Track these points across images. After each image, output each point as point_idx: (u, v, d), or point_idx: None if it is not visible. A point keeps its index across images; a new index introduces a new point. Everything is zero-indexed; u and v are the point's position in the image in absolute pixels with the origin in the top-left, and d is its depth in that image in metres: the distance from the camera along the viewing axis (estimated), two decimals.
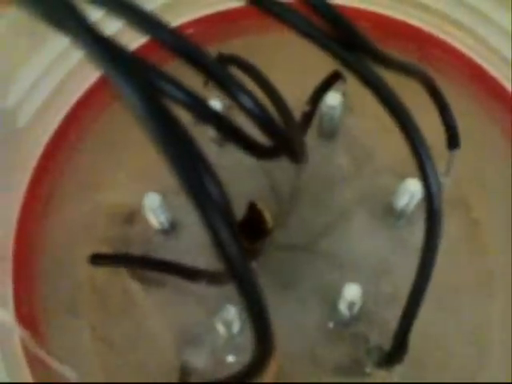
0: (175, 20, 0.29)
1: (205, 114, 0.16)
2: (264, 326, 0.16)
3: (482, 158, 0.28)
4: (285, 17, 0.17)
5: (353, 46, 0.18)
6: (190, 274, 0.24)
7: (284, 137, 0.17)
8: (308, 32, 0.18)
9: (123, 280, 0.26)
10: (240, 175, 0.28)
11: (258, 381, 0.17)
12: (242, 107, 0.17)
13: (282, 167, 0.28)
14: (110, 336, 0.26)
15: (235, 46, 0.28)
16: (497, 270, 0.27)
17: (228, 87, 0.16)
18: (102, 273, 0.27)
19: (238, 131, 0.17)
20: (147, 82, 0.14)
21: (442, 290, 0.26)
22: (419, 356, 0.24)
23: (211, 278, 0.23)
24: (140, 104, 0.13)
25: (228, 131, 0.16)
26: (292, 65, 0.29)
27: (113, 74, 0.13)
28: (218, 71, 0.16)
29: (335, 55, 0.18)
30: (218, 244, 0.14)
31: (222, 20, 0.30)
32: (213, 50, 0.27)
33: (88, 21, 0.13)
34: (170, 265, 0.25)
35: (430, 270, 0.20)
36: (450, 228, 0.27)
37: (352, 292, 0.23)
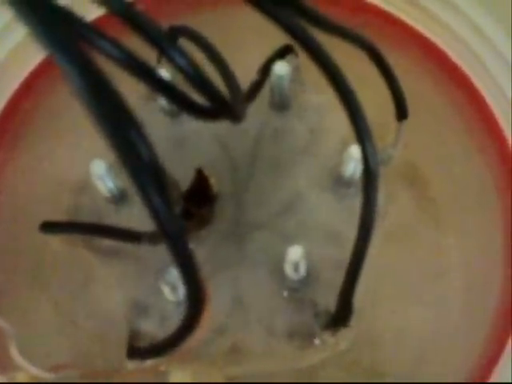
0: None
1: (138, 70, 0.16)
2: (195, 285, 0.16)
3: (438, 134, 0.29)
4: None
5: (289, 6, 0.19)
6: (132, 236, 0.25)
7: (219, 96, 0.18)
8: None
9: (80, 251, 0.27)
10: (195, 147, 0.29)
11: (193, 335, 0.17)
12: (177, 67, 0.17)
13: (238, 139, 0.29)
14: (70, 308, 0.26)
15: (190, 20, 0.29)
16: (452, 247, 0.27)
17: (164, 48, 0.17)
18: (59, 245, 0.27)
19: (172, 88, 0.17)
20: (72, 33, 0.14)
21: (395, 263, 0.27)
22: (369, 323, 0.25)
23: (151, 238, 0.24)
24: (64, 58, 0.13)
25: (162, 88, 0.17)
26: (248, 38, 0.30)
27: (35, 29, 0.13)
28: (156, 34, 0.17)
29: (269, 15, 0.18)
30: (147, 203, 0.14)
31: None
32: (165, 24, 0.28)
33: None
34: (113, 229, 0.25)
35: (369, 232, 0.21)
36: (405, 203, 0.28)
37: (295, 252, 0.23)
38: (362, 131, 0.19)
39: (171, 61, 0.17)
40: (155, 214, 0.14)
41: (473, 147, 0.28)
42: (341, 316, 0.23)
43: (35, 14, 0.13)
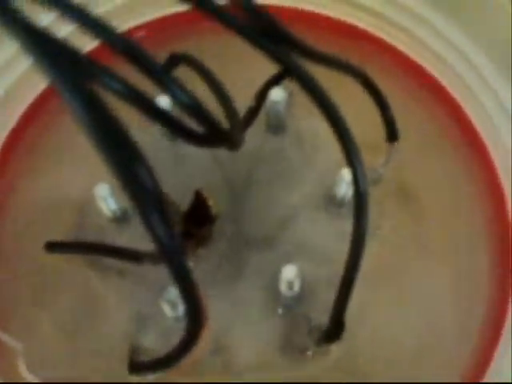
0: (128, 22, 0.31)
1: (137, 102, 0.17)
2: (194, 302, 0.17)
3: (427, 155, 0.30)
4: (219, 18, 0.19)
5: (281, 41, 0.20)
6: (134, 256, 0.26)
7: (215, 124, 0.19)
8: (241, 31, 0.19)
9: (82, 270, 0.28)
10: (193, 167, 0.30)
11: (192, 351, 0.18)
12: (175, 100, 0.18)
13: (235, 160, 0.30)
14: (68, 322, 0.27)
15: (188, 46, 0.30)
16: (440, 262, 0.28)
17: (162, 81, 0.18)
18: (62, 264, 0.28)
19: (172, 118, 0.18)
20: (78, 72, 0.15)
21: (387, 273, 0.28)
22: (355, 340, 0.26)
23: (153, 258, 0.25)
24: (68, 92, 0.14)
25: (161, 117, 0.18)
26: (245, 65, 0.31)
27: (41, 64, 0.14)
28: (153, 67, 0.18)
29: (262, 48, 0.19)
30: (149, 230, 0.15)
31: (175, 22, 0.31)
32: (166, 51, 0.29)
33: (19, 12, 0.14)
34: (116, 249, 0.26)
35: (360, 251, 0.22)
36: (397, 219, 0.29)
37: (289, 272, 0.24)
38: (352, 156, 0.20)
39: (169, 93, 0.18)
40: (157, 240, 0.16)
41: (460, 168, 0.30)
42: (333, 332, 0.24)
43: (42, 49, 0.15)
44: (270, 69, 0.28)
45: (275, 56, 0.19)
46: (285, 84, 0.29)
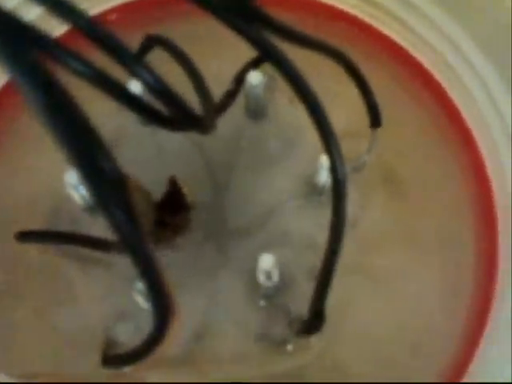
0: (100, 5, 0.30)
1: (105, 85, 0.16)
2: (160, 294, 0.16)
3: (414, 142, 0.29)
4: None
5: (257, 21, 0.19)
6: (103, 245, 0.25)
7: (186, 109, 0.18)
8: (214, 10, 0.19)
9: (56, 260, 0.27)
10: (172, 155, 0.29)
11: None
12: (144, 83, 0.17)
13: (215, 146, 0.29)
14: (44, 314, 0.26)
15: (162, 30, 0.29)
16: (426, 248, 0.27)
17: (130, 65, 0.17)
18: (36, 252, 0.27)
19: (138, 100, 0.17)
20: (31, 54, 0.14)
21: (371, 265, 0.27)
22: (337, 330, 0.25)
23: (119, 247, 0.24)
24: (22, 76, 0.13)
25: (126, 99, 0.17)
26: (220, 48, 0.30)
27: None
28: (120, 50, 0.17)
29: (239, 31, 0.18)
30: (107, 217, 0.15)
31: (147, 5, 0.30)
32: (140, 34, 0.28)
33: None
34: (86, 238, 0.26)
35: (339, 239, 0.21)
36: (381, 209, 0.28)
37: (266, 261, 0.23)
38: (329, 142, 0.20)
39: (137, 77, 0.17)
40: (116, 229, 0.15)
41: (446, 155, 0.29)
42: (313, 323, 0.23)
43: None
44: (246, 52, 0.28)
45: (251, 38, 0.18)
46: (265, 68, 0.28)
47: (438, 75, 0.29)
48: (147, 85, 0.17)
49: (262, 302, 0.26)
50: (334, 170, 0.20)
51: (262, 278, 0.24)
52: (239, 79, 0.27)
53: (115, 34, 0.16)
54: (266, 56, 0.19)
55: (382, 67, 0.29)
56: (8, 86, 0.30)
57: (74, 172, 0.24)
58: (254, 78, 0.26)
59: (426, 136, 0.29)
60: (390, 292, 0.26)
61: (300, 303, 0.25)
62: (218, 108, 0.25)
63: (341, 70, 0.25)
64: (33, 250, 0.27)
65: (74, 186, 0.25)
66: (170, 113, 0.18)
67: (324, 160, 0.24)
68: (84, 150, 0.14)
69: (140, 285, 0.23)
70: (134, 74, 0.17)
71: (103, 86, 0.16)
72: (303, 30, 0.23)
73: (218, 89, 0.26)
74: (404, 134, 0.29)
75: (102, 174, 0.14)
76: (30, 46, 0.14)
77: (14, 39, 0.14)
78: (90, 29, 0.16)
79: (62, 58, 0.16)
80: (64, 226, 0.27)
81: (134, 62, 0.17)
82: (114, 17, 0.31)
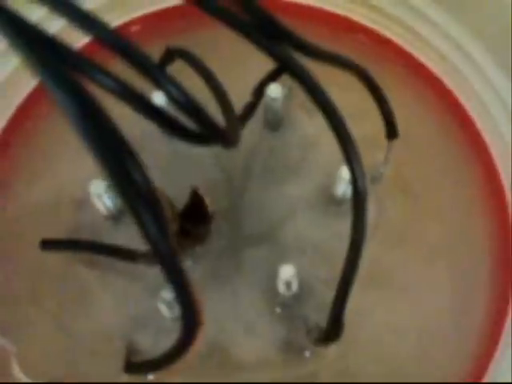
0: (123, 17, 0.30)
1: (130, 99, 0.17)
2: (188, 303, 0.17)
3: (429, 155, 0.30)
4: (216, 13, 0.19)
5: (280, 39, 0.19)
6: (129, 255, 0.25)
7: (211, 123, 0.18)
8: (238, 27, 0.19)
9: (78, 268, 0.27)
10: (192, 165, 0.29)
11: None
12: (169, 97, 0.17)
13: (233, 156, 0.30)
14: (64, 321, 0.27)
15: (185, 40, 0.29)
16: (440, 256, 0.28)
17: (155, 78, 0.17)
18: (57, 260, 0.27)
19: (162, 113, 0.17)
20: (67, 70, 0.15)
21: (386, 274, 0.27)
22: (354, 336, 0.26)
23: (146, 258, 0.24)
24: (55, 88, 0.14)
25: (152, 113, 0.17)
26: (241, 60, 0.30)
27: (32, 63, 0.14)
28: (145, 63, 0.17)
29: (259, 46, 0.19)
30: (142, 229, 0.15)
31: (170, 16, 0.31)
32: (161, 45, 0.29)
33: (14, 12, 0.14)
34: (111, 248, 0.26)
35: (359, 250, 0.21)
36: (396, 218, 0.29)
37: (287, 272, 0.24)
38: (350, 155, 0.20)
39: (163, 91, 0.17)
40: (149, 240, 0.15)
41: (460, 165, 0.29)
42: (331, 332, 0.23)
43: (27, 43, 0.14)
44: (267, 64, 0.28)
45: (272, 52, 0.19)
46: (283, 79, 0.28)
47: (454, 88, 0.30)
48: (173, 99, 0.17)
49: (279, 310, 0.26)
50: (354, 182, 0.20)
51: (281, 288, 0.25)
52: (259, 92, 0.27)
53: (139, 46, 0.17)
54: (288, 71, 0.19)
55: (398, 79, 0.30)
56: (29, 97, 0.30)
57: (98, 182, 0.25)
58: (274, 90, 0.27)
59: (441, 148, 0.30)
60: (405, 301, 0.27)
61: (318, 312, 0.26)
62: (239, 120, 0.26)
63: (354, 79, 0.26)
64: (54, 257, 0.27)
65: (99, 196, 0.25)
66: (195, 127, 0.19)
67: (344, 172, 0.25)
68: (118, 164, 0.14)
69: (165, 294, 0.23)
70: (160, 87, 0.17)
71: (131, 100, 0.17)
72: (321, 42, 0.23)
73: (238, 100, 0.26)
74: (419, 145, 0.30)
75: (134, 187, 0.15)
76: (63, 62, 0.15)
77: (47, 55, 0.14)
78: (115, 41, 0.16)
79: (91, 72, 0.16)
80: (86, 234, 0.28)
81: (159, 74, 0.17)
82: (136, 28, 0.32)
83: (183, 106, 0.17)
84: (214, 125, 0.18)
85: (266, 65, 0.28)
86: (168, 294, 0.23)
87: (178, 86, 0.17)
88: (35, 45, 0.14)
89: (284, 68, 0.19)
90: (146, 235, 0.15)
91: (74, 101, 0.14)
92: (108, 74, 0.16)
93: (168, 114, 0.18)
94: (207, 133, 0.19)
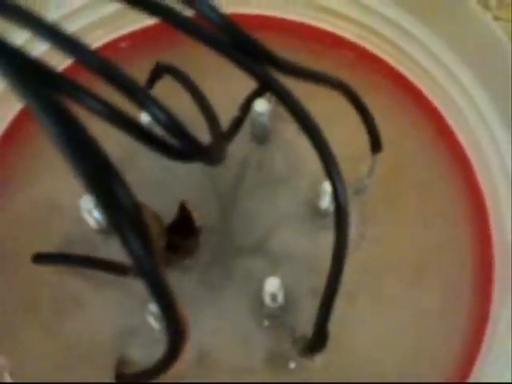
0: (112, 33, 0.31)
1: (115, 119, 0.17)
2: (173, 318, 0.17)
3: (414, 162, 0.31)
4: (191, 31, 0.19)
5: (259, 58, 0.20)
6: (120, 269, 0.26)
7: (193, 141, 0.19)
8: (213, 44, 0.20)
9: (70, 277, 0.28)
10: (181, 178, 0.30)
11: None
12: (154, 118, 0.18)
13: (222, 170, 0.30)
14: (56, 330, 0.27)
15: (172, 55, 0.30)
16: (429, 266, 0.28)
17: (139, 100, 0.17)
18: (49, 274, 0.28)
19: (149, 133, 0.18)
20: (52, 92, 0.15)
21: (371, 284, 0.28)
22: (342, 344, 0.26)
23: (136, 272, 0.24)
24: (42, 112, 0.14)
25: (138, 133, 0.18)
26: (227, 75, 0.31)
27: (17, 87, 0.15)
28: (130, 86, 0.17)
29: (240, 65, 0.19)
30: (125, 245, 0.16)
31: (158, 32, 0.31)
32: (150, 60, 0.29)
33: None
34: (103, 262, 0.27)
35: (341, 262, 0.22)
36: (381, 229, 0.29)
37: (272, 284, 0.24)
38: (331, 170, 0.20)
39: (146, 111, 0.18)
40: (133, 257, 0.16)
41: (442, 176, 0.30)
42: (316, 342, 0.24)
43: (12, 67, 0.15)
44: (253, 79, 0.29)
45: (252, 72, 0.19)
46: (270, 94, 0.29)
47: (436, 101, 0.30)
48: (157, 120, 0.18)
49: (266, 322, 0.27)
50: (336, 197, 0.21)
51: (267, 300, 0.25)
52: (246, 107, 0.28)
53: (122, 68, 0.17)
54: (267, 87, 0.20)
55: (382, 92, 0.31)
56: (23, 113, 0.31)
57: (88, 198, 0.25)
58: (261, 105, 0.27)
59: (423, 159, 0.30)
60: (390, 312, 0.27)
61: (304, 322, 0.26)
62: (225, 136, 0.26)
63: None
64: (47, 270, 0.28)
65: (89, 211, 0.26)
66: (180, 145, 0.19)
67: (327, 185, 0.25)
68: (101, 184, 0.15)
69: (152, 307, 0.24)
70: (144, 109, 0.18)
71: (117, 122, 0.17)
72: (306, 57, 0.24)
73: (225, 113, 0.27)
74: (403, 156, 0.30)
75: (117, 202, 0.15)
76: (47, 85, 0.15)
77: (31, 79, 0.15)
78: (98, 64, 0.17)
79: (77, 95, 0.17)
80: (78, 247, 0.28)
81: (143, 97, 0.17)
82: (124, 44, 0.32)
83: (167, 127, 0.18)
84: (198, 144, 0.19)
85: (251, 80, 0.30)
86: (155, 307, 0.23)
87: (161, 108, 0.18)
88: (19, 68, 0.15)
89: (265, 86, 0.20)
90: (130, 253, 0.16)
91: (58, 124, 0.14)
92: (94, 97, 0.17)
93: (154, 134, 0.18)
94: (192, 151, 0.19)
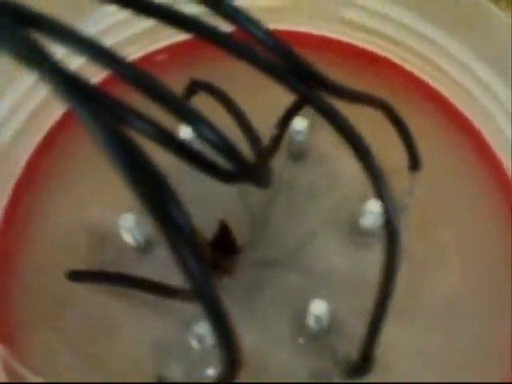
0: (148, 47, 0.31)
1: (165, 141, 0.17)
2: (230, 344, 0.17)
3: (447, 183, 0.30)
4: (241, 53, 0.19)
5: (307, 79, 0.20)
6: (166, 291, 0.25)
7: (245, 164, 0.18)
8: (263, 66, 0.19)
9: (102, 296, 0.27)
10: (214, 196, 0.29)
11: None
12: (202, 136, 0.17)
13: (256, 191, 0.30)
14: (89, 352, 0.27)
15: (208, 71, 0.30)
16: (464, 293, 0.28)
17: (184, 116, 0.17)
18: (82, 289, 0.27)
19: (200, 156, 0.18)
20: (110, 116, 0.15)
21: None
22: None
23: (185, 295, 0.24)
24: (103, 138, 0.14)
25: (189, 156, 0.17)
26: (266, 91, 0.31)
27: (78, 110, 0.14)
28: (174, 102, 0.17)
29: (290, 87, 0.19)
30: (184, 268, 0.15)
31: (195, 46, 0.31)
32: (186, 76, 0.29)
33: (54, 58, 0.14)
34: (147, 282, 0.26)
35: (391, 286, 0.21)
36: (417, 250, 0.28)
37: (318, 307, 0.24)
38: (383, 192, 0.20)
39: (192, 128, 0.17)
40: (191, 278, 0.15)
41: (483, 200, 0.29)
42: (362, 365, 0.23)
43: (73, 93, 0.14)
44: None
45: (300, 93, 0.19)
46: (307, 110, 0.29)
47: (478, 123, 0.30)
48: (203, 137, 0.17)
49: (302, 340, 0.26)
50: (388, 220, 0.20)
51: (310, 321, 0.25)
52: (283, 124, 0.27)
53: (164, 82, 0.16)
54: (315, 108, 0.19)
55: (421, 112, 0.30)
56: (63, 120, 0.31)
57: (128, 216, 0.25)
58: (299, 123, 0.27)
59: (462, 180, 0.30)
60: (436, 330, 0.27)
61: (345, 344, 0.26)
62: (267, 157, 0.26)
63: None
64: (80, 287, 0.27)
65: (129, 230, 0.25)
66: (230, 167, 0.19)
67: (371, 205, 0.25)
68: (159, 202, 0.15)
69: (197, 328, 0.23)
70: (190, 125, 0.17)
71: (162, 141, 0.17)
72: (341, 74, 0.23)
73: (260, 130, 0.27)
74: (441, 179, 0.30)
75: (176, 225, 0.15)
76: (102, 108, 0.15)
77: (92, 105, 0.14)
78: (139, 79, 0.16)
79: (127, 117, 0.16)
80: (109, 265, 0.28)
81: (188, 112, 0.17)
82: (161, 57, 0.32)
83: (216, 146, 0.17)
84: (247, 164, 0.19)
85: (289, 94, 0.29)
86: (200, 328, 0.23)
87: (208, 124, 0.17)
88: (79, 94, 0.14)
89: (312, 107, 0.19)
90: (189, 273, 0.15)
91: (120, 149, 0.14)
92: (148, 120, 0.17)
93: (202, 156, 0.18)
94: (241, 173, 0.19)
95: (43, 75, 0.14)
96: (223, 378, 0.18)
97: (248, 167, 0.18)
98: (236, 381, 0.18)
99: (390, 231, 0.20)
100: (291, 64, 0.19)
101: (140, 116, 0.16)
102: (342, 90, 0.21)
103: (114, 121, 0.15)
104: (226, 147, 0.18)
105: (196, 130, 0.17)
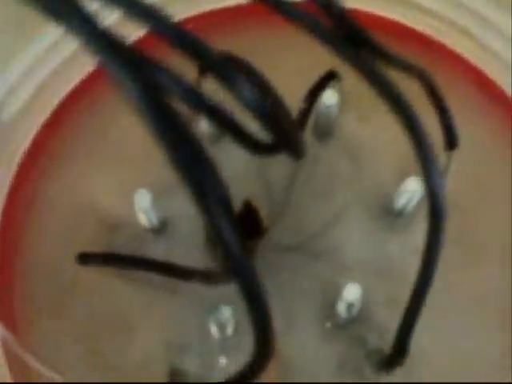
0: (176, 15, 0.29)
1: (201, 105, 0.15)
2: (265, 327, 0.15)
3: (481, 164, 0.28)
4: (291, 14, 0.17)
5: (354, 42, 0.18)
6: (182, 273, 0.24)
7: (284, 131, 0.17)
8: (313, 28, 0.18)
9: (109, 281, 0.26)
10: (234, 174, 0.28)
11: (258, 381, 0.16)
12: (241, 99, 0.16)
13: (276, 167, 0.28)
14: (96, 340, 0.25)
15: (235, 43, 0.28)
16: (493, 282, 0.26)
17: (227, 77, 0.16)
18: (88, 274, 0.26)
19: (235, 124, 0.16)
20: (146, 75, 0.13)
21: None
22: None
23: (204, 277, 0.23)
24: (140, 99, 0.13)
25: (224, 123, 0.16)
26: (292, 63, 0.29)
27: (113, 67, 0.13)
28: (216, 61, 0.16)
29: (338, 51, 0.17)
30: (222, 242, 0.14)
31: (223, 16, 0.29)
32: (218, 44, 0.27)
33: (86, 11, 0.13)
34: (162, 264, 0.24)
35: (432, 271, 0.20)
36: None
37: (352, 293, 0.22)
38: (428, 166, 0.18)
39: (234, 92, 0.16)
40: (230, 253, 0.14)
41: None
42: (396, 357, 0.22)
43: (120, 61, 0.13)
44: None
45: (356, 63, 0.17)
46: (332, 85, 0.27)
47: None
48: (244, 101, 0.16)
49: (332, 328, 0.24)
50: (434, 198, 0.18)
51: (341, 309, 0.23)
52: (311, 98, 0.26)
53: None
54: (368, 79, 0.18)
55: (460, 91, 0.28)
56: (66, 102, 0.28)
57: (145, 193, 0.23)
58: (329, 97, 0.25)
59: (497, 162, 0.28)
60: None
61: (376, 334, 0.24)
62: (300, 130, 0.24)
63: None
64: (90, 271, 0.25)
65: (144, 209, 0.24)
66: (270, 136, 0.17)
67: (409, 184, 0.23)
68: (200, 179, 0.13)
69: (220, 314, 0.21)
70: (232, 89, 0.16)
71: (204, 109, 0.15)
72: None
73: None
74: (472, 158, 0.28)
75: (215, 200, 0.14)
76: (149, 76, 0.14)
77: (135, 69, 0.13)
78: (181, 37, 0.15)
79: (158, 76, 0.15)
80: (121, 246, 0.26)
81: (233, 75, 0.16)
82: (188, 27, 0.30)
83: (257, 110, 0.16)
84: (288, 132, 0.17)
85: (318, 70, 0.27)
86: (223, 314, 0.21)
87: (252, 89, 0.16)
88: (125, 61, 0.13)
89: (367, 80, 0.18)
90: (228, 249, 0.14)
91: (157, 109, 0.13)
92: (176, 77, 0.15)
93: (243, 127, 0.16)
94: (279, 142, 0.17)
95: (73, 28, 0.13)
96: (253, 364, 0.16)
97: (286, 135, 0.17)
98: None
99: (435, 204, 0.18)
100: (347, 30, 0.18)
101: (174, 75, 0.15)
102: (386, 52, 0.19)
103: (149, 80, 0.13)
104: (265, 111, 0.16)
105: (237, 93, 0.16)
